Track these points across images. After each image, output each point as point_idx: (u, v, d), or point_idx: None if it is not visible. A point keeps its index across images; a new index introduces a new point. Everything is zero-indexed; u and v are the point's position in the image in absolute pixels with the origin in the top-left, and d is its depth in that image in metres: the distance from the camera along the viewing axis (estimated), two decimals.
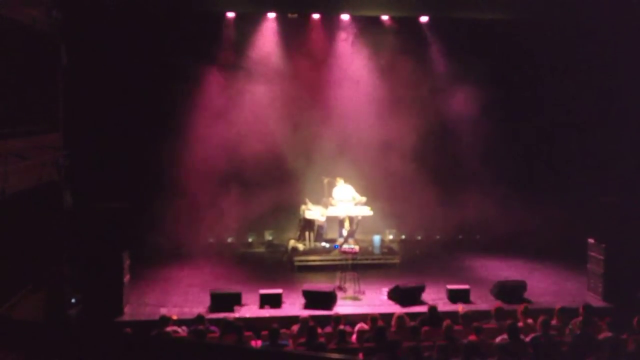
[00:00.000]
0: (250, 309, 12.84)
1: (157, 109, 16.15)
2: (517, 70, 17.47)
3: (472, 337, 10.03)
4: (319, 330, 10.41)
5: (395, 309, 12.67)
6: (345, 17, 17.44)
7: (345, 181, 16.39)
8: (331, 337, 10.36)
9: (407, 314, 11.53)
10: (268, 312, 12.67)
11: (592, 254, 13.96)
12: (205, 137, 16.45)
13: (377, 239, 16.51)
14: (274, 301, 12.95)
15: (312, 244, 16.63)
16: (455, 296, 13.35)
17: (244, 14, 16.94)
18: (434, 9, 16.69)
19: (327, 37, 17.57)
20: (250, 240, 17.89)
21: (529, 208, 16.23)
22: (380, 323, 10.65)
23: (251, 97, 17.16)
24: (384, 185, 17.18)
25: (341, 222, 16.23)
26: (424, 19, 17.43)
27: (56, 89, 12.65)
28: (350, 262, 14.27)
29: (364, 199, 15.77)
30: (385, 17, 17.45)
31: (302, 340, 10.12)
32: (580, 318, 10.71)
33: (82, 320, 12.51)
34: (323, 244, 16.71)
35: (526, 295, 13.60)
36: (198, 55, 16.68)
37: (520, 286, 13.73)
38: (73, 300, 12.78)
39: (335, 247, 16.07)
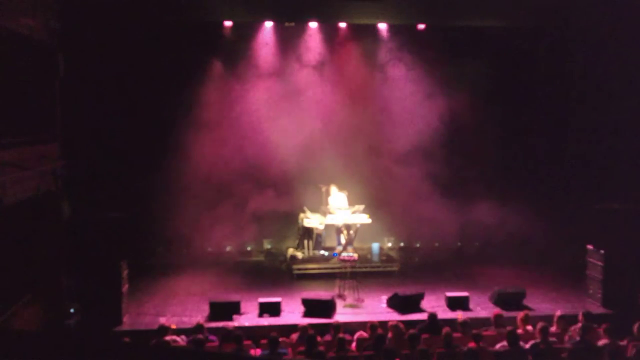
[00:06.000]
0: (249, 318, 12.82)
1: (155, 118, 16.15)
2: (515, 77, 17.49)
3: (472, 345, 10.03)
4: (319, 339, 10.40)
5: (395, 316, 12.67)
6: (342, 25, 17.47)
7: (341, 189, 16.40)
8: (330, 345, 10.34)
9: (407, 322, 11.53)
10: (267, 321, 12.65)
11: (591, 260, 13.97)
12: (203, 146, 16.44)
13: (375, 246, 16.51)
14: (273, 310, 12.94)
15: (311, 252, 16.62)
16: (454, 303, 13.34)
17: (242, 23, 16.96)
18: (431, 17, 16.71)
19: (324, 45, 17.58)
20: (249, 248, 17.87)
21: (527, 215, 16.23)
22: (379, 331, 10.64)
23: (249, 106, 17.17)
24: (383, 192, 17.17)
25: (339, 230, 16.23)
26: (420, 26, 17.44)
27: (54, 99, 12.67)
28: (349, 270, 14.25)
29: (361, 206, 15.76)
30: (382, 25, 17.49)
31: (302, 348, 10.11)
32: (580, 325, 10.70)
33: (80, 330, 12.49)
34: (322, 252, 16.70)
35: (525, 302, 13.59)
36: (196, 64, 16.69)
37: (520, 293, 13.72)
38: (72, 310, 12.78)
39: (334, 255, 16.06)
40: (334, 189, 16.39)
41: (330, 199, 16.32)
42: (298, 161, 17.01)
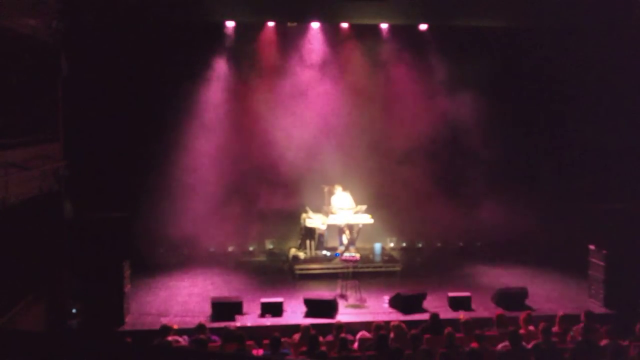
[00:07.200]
0: (251, 318, 12.81)
1: (157, 118, 16.16)
2: (517, 77, 17.47)
3: (474, 345, 10.03)
4: (321, 339, 10.39)
5: (397, 316, 12.67)
6: (344, 25, 17.47)
7: (344, 189, 16.40)
8: (333, 345, 10.34)
9: (409, 322, 11.53)
10: (269, 321, 12.65)
11: (593, 260, 13.96)
12: (205, 146, 16.46)
13: (378, 246, 16.50)
14: (275, 310, 12.93)
15: (313, 253, 16.61)
16: (456, 304, 13.33)
17: (244, 23, 16.95)
18: (433, 17, 16.70)
19: (326, 45, 17.57)
20: (251, 249, 17.88)
21: (530, 215, 16.22)
22: (383, 332, 10.63)
23: (251, 106, 17.16)
24: (385, 192, 17.18)
25: (341, 230, 16.23)
26: (423, 27, 17.44)
27: (56, 99, 12.68)
28: (351, 270, 14.25)
29: (364, 206, 15.75)
30: (384, 26, 17.49)
31: (304, 349, 10.11)
32: (582, 325, 10.70)
33: (83, 331, 12.50)
34: (324, 252, 16.69)
35: (527, 302, 13.58)
36: (198, 65, 16.70)
37: (522, 293, 13.71)
38: (74, 311, 12.79)
39: (336, 256, 16.06)
40: (338, 189, 16.37)
41: (334, 199, 16.30)
42: (300, 161, 17.00)
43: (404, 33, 17.50)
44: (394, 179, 17.09)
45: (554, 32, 16.67)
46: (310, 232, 16.61)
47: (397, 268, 16.14)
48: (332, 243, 17.01)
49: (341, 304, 13.39)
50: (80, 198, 13.32)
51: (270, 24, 17.23)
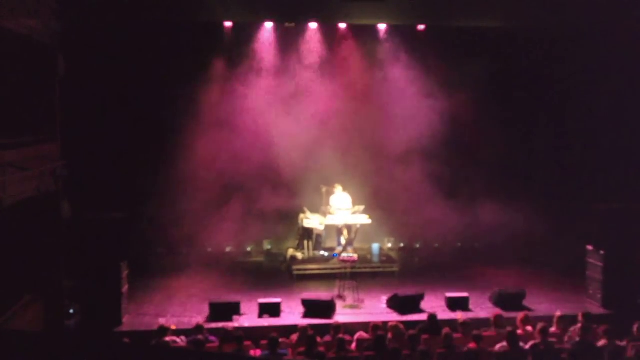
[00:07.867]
0: (249, 318, 12.82)
1: (155, 119, 16.15)
2: (515, 77, 17.50)
3: (472, 345, 10.04)
4: (318, 339, 10.40)
5: (395, 317, 12.67)
6: (342, 25, 17.47)
7: (344, 189, 16.38)
8: (330, 345, 10.35)
9: (407, 322, 11.54)
10: (267, 322, 12.66)
11: (591, 260, 13.97)
12: (203, 147, 16.43)
13: (375, 247, 16.50)
14: (273, 310, 12.94)
15: (311, 253, 16.61)
16: (454, 304, 13.34)
17: (242, 23, 16.95)
18: (431, 18, 16.69)
19: (324, 45, 17.57)
20: (249, 249, 17.87)
21: (527, 215, 16.22)
22: (381, 332, 10.63)
23: (249, 106, 17.13)
24: (383, 193, 17.16)
25: (339, 231, 16.22)
26: (421, 27, 17.44)
27: (54, 99, 12.67)
28: (349, 270, 14.25)
29: (362, 207, 15.75)
30: (382, 26, 17.48)
31: (302, 349, 10.11)
32: (579, 325, 10.71)
33: (80, 331, 12.50)
34: (322, 252, 16.69)
35: (525, 302, 13.59)
36: (196, 65, 16.68)
37: (520, 294, 13.72)
38: (71, 311, 12.78)
39: (334, 256, 16.05)
40: (339, 189, 16.35)
41: (334, 198, 16.29)
42: (298, 161, 16.95)
43: (402, 33, 17.50)
44: (392, 179, 17.06)
45: (554, 32, 16.67)
46: (308, 233, 16.61)
47: (395, 268, 16.15)
48: (330, 243, 17.01)
49: (339, 305, 13.39)
50: (78, 198, 13.30)
51: (269, 24, 17.22)
